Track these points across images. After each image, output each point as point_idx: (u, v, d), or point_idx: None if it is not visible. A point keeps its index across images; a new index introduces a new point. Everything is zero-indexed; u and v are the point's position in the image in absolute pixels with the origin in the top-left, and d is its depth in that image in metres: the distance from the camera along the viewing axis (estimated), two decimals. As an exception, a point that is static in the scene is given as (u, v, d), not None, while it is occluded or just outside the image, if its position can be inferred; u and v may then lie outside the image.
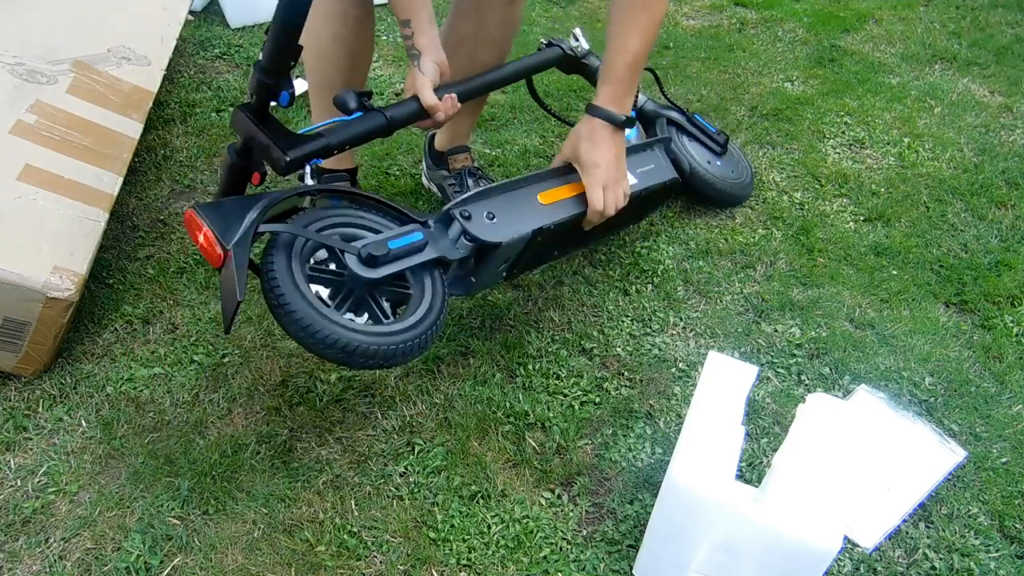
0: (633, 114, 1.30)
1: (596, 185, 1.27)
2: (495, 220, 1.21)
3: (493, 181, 1.67)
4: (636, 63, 1.24)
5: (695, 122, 1.73)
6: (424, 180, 1.78)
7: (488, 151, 1.90)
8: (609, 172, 1.28)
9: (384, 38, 2.34)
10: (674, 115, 1.70)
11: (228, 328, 0.99)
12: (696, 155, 1.68)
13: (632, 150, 1.47)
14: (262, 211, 1.04)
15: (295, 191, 1.12)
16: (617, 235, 1.65)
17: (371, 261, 1.06)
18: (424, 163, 1.76)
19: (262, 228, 1.04)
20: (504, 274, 1.33)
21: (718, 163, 1.71)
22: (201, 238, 1.02)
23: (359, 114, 1.24)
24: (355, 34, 1.40)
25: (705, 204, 1.74)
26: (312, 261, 1.09)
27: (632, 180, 1.41)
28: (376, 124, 1.24)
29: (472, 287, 1.28)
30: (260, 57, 1.11)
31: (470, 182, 1.65)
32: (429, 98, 1.27)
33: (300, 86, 2.05)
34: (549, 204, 1.30)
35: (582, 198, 1.31)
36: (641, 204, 1.48)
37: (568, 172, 1.34)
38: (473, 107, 1.65)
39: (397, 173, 1.81)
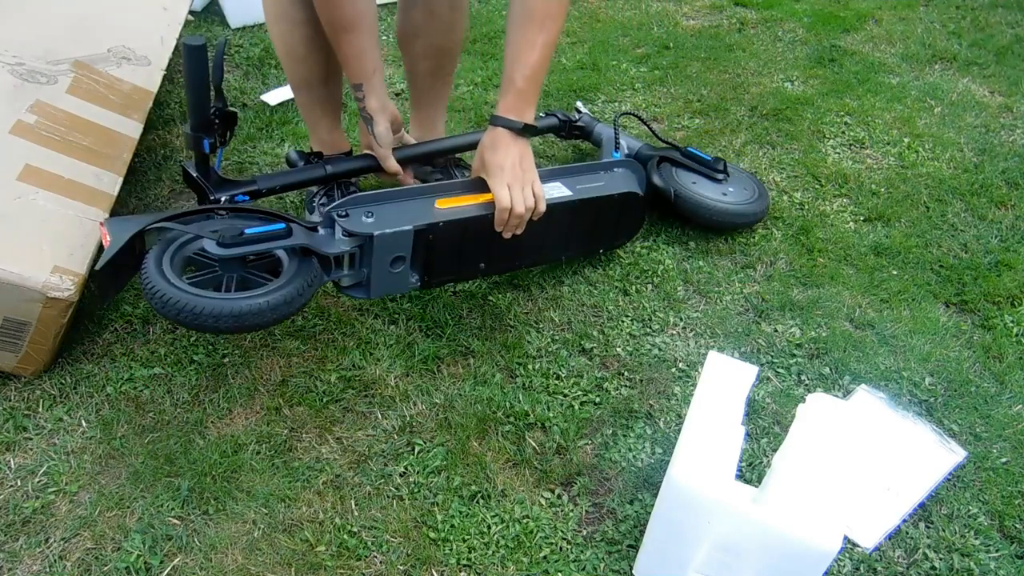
0: (544, 118, 1.36)
1: (501, 184, 1.27)
2: (372, 218, 1.25)
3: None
4: (535, 76, 1.27)
5: (688, 154, 1.70)
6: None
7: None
8: (515, 172, 1.28)
9: (383, 38, 2.34)
10: (666, 153, 1.70)
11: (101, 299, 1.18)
12: (685, 181, 1.64)
13: (575, 170, 1.49)
14: (151, 220, 1.18)
15: (193, 209, 1.24)
16: (582, 255, 1.58)
17: (226, 244, 1.14)
18: None
19: (144, 227, 1.17)
20: (417, 282, 1.33)
21: (719, 188, 1.66)
22: (100, 236, 1.20)
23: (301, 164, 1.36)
24: (322, 32, 1.41)
25: (713, 230, 1.68)
26: (192, 254, 1.20)
27: (565, 192, 1.42)
28: (313, 175, 1.38)
29: (371, 289, 1.29)
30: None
31: (457, 174, 1.65)
32: (392, 167, 1.46)
33: (285, 93, 2.05)
34: (445, 208, 1.31)
35: (490, 204, 1.29)
36: (586, 216, 1.46)
37: (477, 187, 1.33)
38: (438, 97, 1.67)
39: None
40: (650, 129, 1.80)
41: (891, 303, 1.53)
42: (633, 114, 1.85)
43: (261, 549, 1.08)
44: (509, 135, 1.27)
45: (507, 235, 1.31)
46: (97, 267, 1.11)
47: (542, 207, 1.30)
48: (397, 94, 2.12)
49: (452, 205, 1.32)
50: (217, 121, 1.27)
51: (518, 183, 1.27)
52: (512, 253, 1.42)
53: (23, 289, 1.18)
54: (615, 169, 1.54)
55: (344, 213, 1.24)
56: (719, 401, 0.98)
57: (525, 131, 1.28)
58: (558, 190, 1.43)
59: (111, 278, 1.15)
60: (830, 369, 1.39)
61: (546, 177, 1.43)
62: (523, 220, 1.29)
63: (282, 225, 1.19)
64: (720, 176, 1.68)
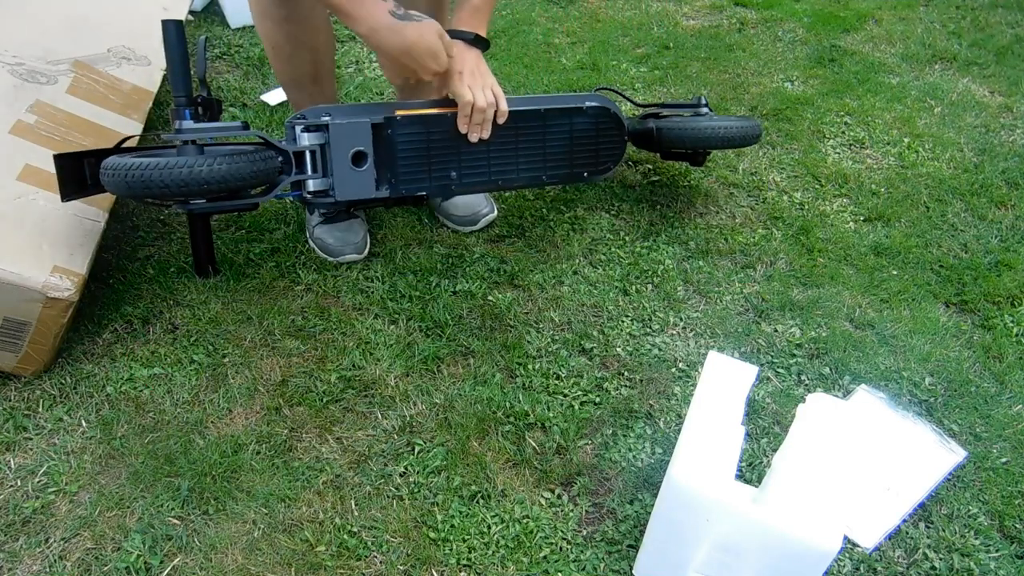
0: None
1: (461, 84, 1.34)
2: (331, 116, 1.31)
3: None
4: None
5: (668, 104, 1.74)
6: None
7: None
8: (473, 75, 1.35)
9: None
10: (647, 112, 1.72)
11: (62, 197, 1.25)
12: (671, 119, 1.65)
13: (544, 98, 1.52)
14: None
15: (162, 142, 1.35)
16: (566, 180, 1.58)
17: (183, 130, 1.26)
18: None
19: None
20: (387, 190, 1.35)
21: (703, 119, 1.63)
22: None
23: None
24: (308, 29, 1.42)
25: (704, 154, 1.70)
26: None
27: (526, 108, 1.46)
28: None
29: (335, 188, 1.33)
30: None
31: None
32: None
33: (279, 95, 2.05)
34: (405, 113, 1.36)
35: (453, 111, 1.36)
36: (559, 129, 1.49)
37: (438, 104, 1.39)
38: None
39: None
40: (625, 98, 1.79)
41: (891, 303, 1.53)
42: (609, 88, 1.85)
43: (261, 549, 1.08)
44: (463, 44, 1.35)
45: (473, 137, 1.37)
46: (55, 153, 1.22)
47: (504, 105, 1.37)
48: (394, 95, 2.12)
49: (411, 112, 1.37)
50: (200, 105, 1.31)
51: (477, 83, 1.35)
52: (485, 164, 1.44)
53: (23, 289, 1.18)
54: (586, 101, 1.55)
55: (302, 116, 1.32)
56: (719, 401, 0.98)
57: (477, 41, 1.36)
58: (524, 104, 1.47)
59: (73, 179, 1.25)
60: (830, 369, 1.39)
61: (515, 102, 1.45)
62: (487, 118, 1.36)
63: (239, 123, 1.28)
64: (704, 111, 1.68)
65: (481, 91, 1.35)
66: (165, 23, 1.28)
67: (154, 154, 1.29)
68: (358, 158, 1.32)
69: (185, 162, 1.15)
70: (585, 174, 1.57)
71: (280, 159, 1.31)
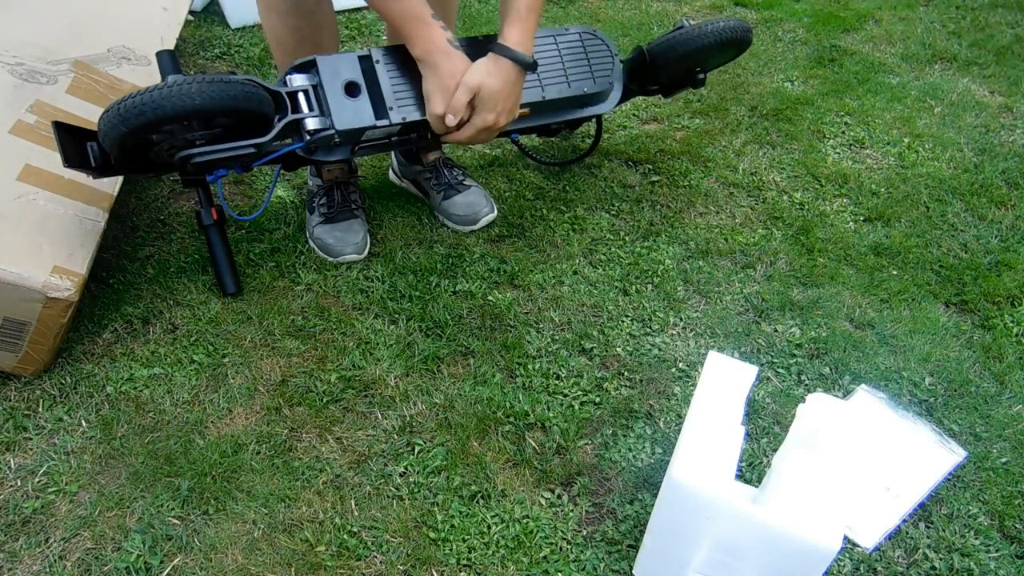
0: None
1: (492, 111, 1.33)
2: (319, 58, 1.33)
3: (466, 171, 1.70)
4: (536, 5, 1.31)
5: (655, 41, 1.70)
6: (394, 178, 1.78)
7: (487, 150, 1.90)
8: (506, 104, 1.34)
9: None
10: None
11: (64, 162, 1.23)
12: (659, 38, 1.64)
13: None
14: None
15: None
16: (567, 106, 1.56)
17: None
18: (393, 161, 1.77)
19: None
20: (385, 121, 1.35)
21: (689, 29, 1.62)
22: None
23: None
24: (312, 23, 1.42)
25: (705, 61, 1.67)
26: None
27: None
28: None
29: (334, 123, 1.32)
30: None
31: (445, 172, 1.66)
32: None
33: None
34: (391, 43, 1.36)
35: None
36: (547, 53, 1.52)
37: None
38: None
39: (361, 175, 1.82)
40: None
41: (891, 303, 1.53)
42: None
43: (261, 549, 1.08)
44: (515, 69, 1.32)
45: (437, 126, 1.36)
46: (55, 120, 1.22)
47: (514, 116, 1.38)
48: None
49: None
50: None
51: (505, 114, 1.35)
52: None
53: (23, 289, 1.18)
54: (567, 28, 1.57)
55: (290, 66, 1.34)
56: (719, 401, 0.98)
57: (531, 67, 1.33)
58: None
59: (74, 150, 1.24)
60: (830, 369, 1.39)
61: None
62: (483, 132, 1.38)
63: (228, 72, 1.29)
64: (684, 27, 1.63)
65: (505, 118, 1.36)
66: (159, 54, 1.30)
67: None
68: (352, 89, 1.33)
69: (175, 80, 1.16)
70: (585, 89, 1.54)
71: (278, 116, 1.30)
